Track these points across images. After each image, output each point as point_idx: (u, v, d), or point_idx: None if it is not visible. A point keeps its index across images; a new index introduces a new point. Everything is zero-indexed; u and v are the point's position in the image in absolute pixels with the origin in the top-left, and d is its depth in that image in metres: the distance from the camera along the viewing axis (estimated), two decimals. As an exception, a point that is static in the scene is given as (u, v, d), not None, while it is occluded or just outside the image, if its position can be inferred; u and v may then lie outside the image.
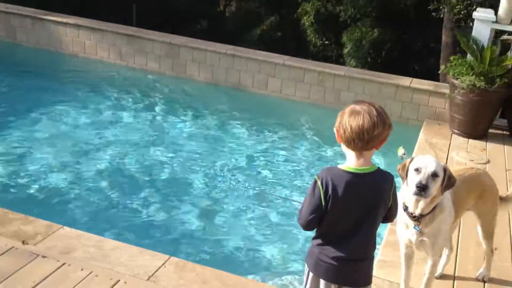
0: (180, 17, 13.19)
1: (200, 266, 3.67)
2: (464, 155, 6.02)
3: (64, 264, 3.53)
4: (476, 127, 6.49)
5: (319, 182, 2.45)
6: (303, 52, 11.68)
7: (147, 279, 3.48)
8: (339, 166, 2.50)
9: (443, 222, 3.06)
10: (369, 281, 2.61)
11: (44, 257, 3.58)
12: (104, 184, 5.34)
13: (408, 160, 2.96)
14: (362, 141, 2.41)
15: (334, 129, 2.53)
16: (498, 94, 6.28)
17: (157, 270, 3.57)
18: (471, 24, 8.60)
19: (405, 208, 3.04)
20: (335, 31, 12.14)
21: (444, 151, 6.11)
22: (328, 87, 7.39)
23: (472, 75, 6.22)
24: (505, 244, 4.27)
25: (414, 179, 2.87)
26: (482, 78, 6.17)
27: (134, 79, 8.24)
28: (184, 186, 5.44)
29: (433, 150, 6.08)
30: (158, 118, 7.12)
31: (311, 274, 2.60)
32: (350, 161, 2.48)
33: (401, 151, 6.07)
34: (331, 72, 7.37)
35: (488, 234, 3.64)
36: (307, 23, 12.26)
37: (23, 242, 3.70)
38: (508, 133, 6.77)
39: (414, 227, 3.04)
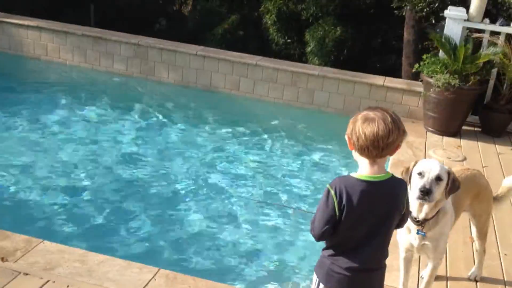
0: (138, 17, 12.90)
1: (191, 277, 3.53)
2: (441, 152, 6.05)
3: (48, 281, 3.34)
4: (450, 125, 6.54)
5: (332, 192, 2.36)
6: (265, 50, 11.59)
7: (138, 294, 3.33)
8: (352, 175, 2.41)
9: (445, 226, 3.03)
10: (381, 291, 2.54)
11: (26, 274, 3.38)
12: (77, 194, 5.07)
13: (412, 163, 2.91)
14: (377, 148, 2.32)
15: (346, 137, 2.45)
16: (472, 91, 6.35)
17: (147, 284, 3.41)
18: (433, 21, 8.74)
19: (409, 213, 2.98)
20: (297, 30, 12.12)
21: (421, 150, 6.13)
22: (302, 87, 7.32)
23: (446, 73, 6.27)
24: (492, 242, 4.28)
25: (417, 183, 2.82)
26: (456, 76, 6.21)
27: (99, 81, 7.98)
28: (162, 193, 5.24)
29: (410, 149, 6.09)
30: (127, 121, 6.87)
31: (321, 286, 2.52)
32: (364, 169, 2.39)
33: None
34: (305, 72, 7.31)
35: (482, 234, 3.64)
36: (269, 22, 12.20)
37: (2, 259, 3.49)
38: (480, 129, 6.86)
39: (418, 232, 2.99)
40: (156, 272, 3.53)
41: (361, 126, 2.34)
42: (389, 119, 2.34)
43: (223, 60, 7.54)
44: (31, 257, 3.56)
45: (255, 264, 4.21)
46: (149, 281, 3.44)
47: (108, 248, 4.15)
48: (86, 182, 5.31)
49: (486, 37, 6.64)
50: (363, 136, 2.33)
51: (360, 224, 2.38)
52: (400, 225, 2.52)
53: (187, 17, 14.79)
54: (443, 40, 6.50)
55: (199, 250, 4.32)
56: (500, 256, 4.14)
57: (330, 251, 2.48)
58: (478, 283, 3.80)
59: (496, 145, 6.47)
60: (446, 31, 6.67)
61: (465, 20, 6.61)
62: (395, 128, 2.33)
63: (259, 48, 11.66)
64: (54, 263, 3.52)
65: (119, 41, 7.87)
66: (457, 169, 3.50)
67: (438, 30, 8.85)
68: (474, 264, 3.91)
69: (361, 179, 2.37)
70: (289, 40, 12.40)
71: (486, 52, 6.30)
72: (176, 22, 13.99)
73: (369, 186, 2.36)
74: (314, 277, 2.57)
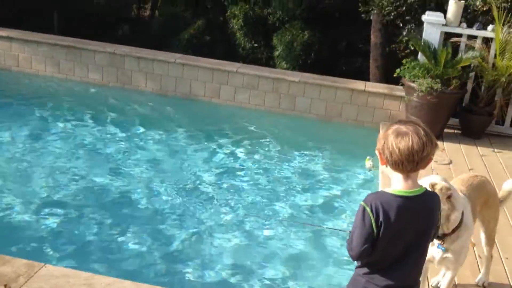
0: (100, 23, 12.63)
1: (205, 296, 3.45)
2: (427, 156, 6.11)
3: (57, 308, 3.20)
4: (433, 128, 6.43)
5: (368, 209, 2.32)
6: (233, 55, 11.57)
7: (153, 317, 3.22)
8: (386, 190, 2.38)
9: (467, 239, 3.04)
10: (416, 307, 2.52)
11: (33, 302, 3.23)
12: (64, 211, 4.85)
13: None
14: (412, 163, 2.30)
15: (376, 152, 2.42)
16: (454, 95, 6.46)
17: (160, 306, 3.31)
18: (401, 24, 8.89)
19: None
20: (264, 34, 12.14)
21: (407, 154, 6.17)
22: (283, 94, 7.30)
23: (428, 77, 6.35)
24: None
25: None
26: (438, 80, 6.30)
27: (74, 92, 7.76)
28: (151, 207, 5.08)
29: (397, 154, 6.13)
30: (106, 133, 6.66)
31: (355, 304, 2.48)
32: (398, 184, 2.37)
33: (368, 163, 6.06)
34: (286, 79, 7.29)
35: (491, 240, 3.70)
36: (236, 26, 12.18)
37: (5, 286, 3.32)
38: (460, 131, 6.98)
39: (438, 247, 3.00)
40: (168, 293, 3.43)
41: (394, 140, 2.31)
42: (422, 132, 2.32)
43: (203, 67, 7.46)
44: (34, 283, 3.40)
45: (266, 280, 4.14)
46: (162, 303, 3.34)
47: (107, 269, 4.02)
48: (70, 198, 5.10)
49: (463, 41, 6.76)
50: (397, 151, 2.30)
51: (398, 241, 2.35)
52: (432, 239, 2.51)
53: (151, 22, 14.61)
54: (422, 44, 6.58)
55: (205, 267, 4.22)
56: (502, 260, 4.20)
57: (365, 269, 2.44)
58: (486, 289, 3.85)
59: (478, 147, 6.59)
60: (425, 36, 6.77)
61: (443, 24, 6.71)
62: (429, 141, 2.31)
63: (226, 53, 11.61)
64: (60, 289, 3.38)
65: (93, 50, 7.69)
66: (465, 177, 3.53)
67: (405, 33, 9.03)
68: (480, 270, 3.96)
69: (397, 195, 2.34)
70: (256, 45, 12.41)
71: (466, 56, 6.41)
72: (139, 27, 13.80)
73: (406, 202, 2.33)
74: (347, 295, 2.53)
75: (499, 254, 4.27)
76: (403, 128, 2.33)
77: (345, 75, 8.00)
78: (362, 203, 2.37)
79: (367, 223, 2.32)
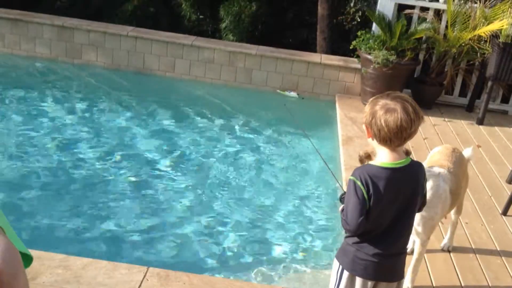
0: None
1: (185, 274, 3.44)
2: (384, 127, 6.25)
3: (35, 292, 3.12)
4: (387, 99, 6.76)
5: (358, 182, 2.37)
6: (178, 27, 11.36)
7: (134, 296, 3.20)
8: (373, 163, 2.44)
9: (434, 208, 3.13)
10: (404, 274, 2.62)
11: None
12: (23, 191, 4.71)
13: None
14: (400, 139, 2.36)
15: (364, 126, 2.46)
16: (408, 66, 6.61)
17: (140, 285, 3.28)
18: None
19: None
20: (210, 5, 11.99)
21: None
22: (240, 67, 7.26)
23: (383, 49, 6.46)
24: (451, 212, 4.52)
25: None
26: (393, 52, 6.43)
27: (20, 67, 7.44)
28: (118, 185, 5.00)
29: (355, 125, 6.25)
30: (56, 110, 6.40)
31: (345, 273, 2.54)
32: (384, 157, 2.42)
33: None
34: (242, 52, 7.24)
35: (460, 208, 3.84)
36: (182, -2, 11.95)
37: None
38: (412, 102, 7.16)
39: None
40: (146, 271, 3.40)
41: (383, 117, 2.33)
42: (410, 108, 2.36)
43: (157, 40, 7.30)
44: (7, 267, 3.29)
45: (248, 254, 4.14)
46: (142, 281, 3.31)
47: (81, 249, 3.93)
48: (32, 178, 4.95)
49: (416, 12, 6.91)
50: (385, 128, 2.33)
51: (387, 211, 2.42)
52: (421, 208, 2.59)
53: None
54: (377, 16, 6.68)
55: (182, 241, 4.19)
56: (462, 225, 4.39)
57: (355, 239, 2.50)
58: (451, 253, 4.01)
59: (430, 117, 6.80)
60: (379, 7, 6.86)
61: (396, -4, 6.83)
62: (417, 118, 2.36)
63: (171, 25, 11.40)
64: (35, 272, 3.29)
65: (41, 23, 7.37)
66: (444, 151, 3.60)
67: (352, 4, 9.17)
68: (443, 235, 4.13)
69: (384, 167, 2.40)
70: (201, 16, 12.24)
71: (420, 27, 6.55)
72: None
73: (394, 173, 2.39)
74: (336, 264, 2.59)
75: (460, 219, 4.45)
76: (391, 104, 2.35)
77: (292, 47, 8.02)
78: (351, 177, 2.42)
79: (360, 195, 2.37)
